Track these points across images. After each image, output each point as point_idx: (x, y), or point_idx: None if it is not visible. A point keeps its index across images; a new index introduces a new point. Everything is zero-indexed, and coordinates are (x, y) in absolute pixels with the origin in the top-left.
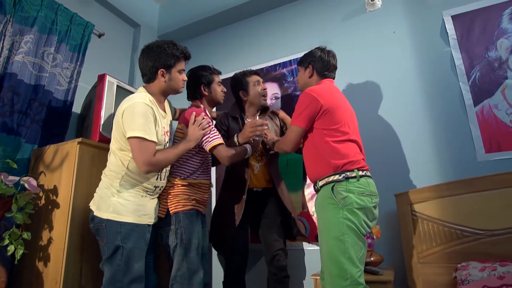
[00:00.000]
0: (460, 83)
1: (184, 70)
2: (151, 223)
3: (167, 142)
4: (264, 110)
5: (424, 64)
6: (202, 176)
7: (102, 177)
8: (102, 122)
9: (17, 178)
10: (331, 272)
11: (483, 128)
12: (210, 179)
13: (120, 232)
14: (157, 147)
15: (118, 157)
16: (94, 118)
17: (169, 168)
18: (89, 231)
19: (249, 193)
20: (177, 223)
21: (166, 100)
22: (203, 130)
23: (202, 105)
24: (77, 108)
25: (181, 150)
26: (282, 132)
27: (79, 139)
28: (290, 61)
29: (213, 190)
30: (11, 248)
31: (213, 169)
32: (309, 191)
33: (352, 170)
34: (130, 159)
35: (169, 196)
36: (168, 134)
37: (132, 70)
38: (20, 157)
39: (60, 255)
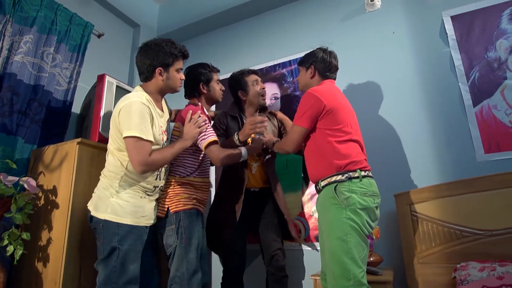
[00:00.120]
0: (459, 84)
1: (182, 69)
2: (149, 225)
3: (165, 142)
4: (262, 109)
5: (424, 65)
6: (202, 174)
7: (100, 177)
8: (101, 122)
9: (16, 178)
10: (334, 272)
11: (483, 129)
12: (209, 178)
13: (117, 234)
14: (155, 147)
15: (117, 157)
16: (93, 118)
17: (168, 167)
18: (89, 231)
19: (247, 193)
20: (177, 222)
21: (163, 99)
22: (199, 128)
23: (200, 103)
24: (76, 108)
25: (178, 149)
26: (280, 133)
27: (79, 139)
28: (289, 61)
29: (212, 190)
30: (10, 249)
31: (213, 169)
32: (308, 191)
33: (355, 171)
34: (129, 159)
35: (169, 195)
36: (166, 133)
37: (131, 70)
38: (19, 157)
39: (59, 255)
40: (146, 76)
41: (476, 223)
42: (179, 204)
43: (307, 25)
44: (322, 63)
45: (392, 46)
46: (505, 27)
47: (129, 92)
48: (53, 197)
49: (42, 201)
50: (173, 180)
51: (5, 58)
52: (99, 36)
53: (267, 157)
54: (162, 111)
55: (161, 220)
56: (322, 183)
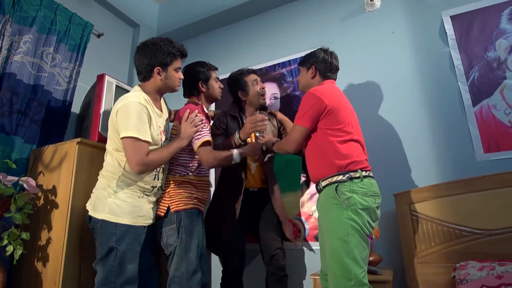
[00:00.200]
0: (459, 83)
1: (180, 68)
2: (147, 225)
3: (164, 142)
4: (262, 109)
5: (423, 64)
6: (201, 173)
7: (99, 177)
8: (101, 122)
9: (16, 178)
10: (335, 272)
11: (482, 128)
12: (209, 177)
13: (115, 234)
14: (153, 147)
15: (115, 157)
16: (93, 118)
17: (167, 167)
18: (88, 231)
19: (245, 193)
20: (178, 222)
21: (162, 99)
22: (195, 127)
23: (199, 102)
24: (76, 108)
25: (175, 148)
26: (279, 133)
27: (78, 139)
28: (289, 61)
29: (212, 190)
30: (9, 248)
31: (212, 169)
32: (308, 191)
33: (356, 171)
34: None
35: (170, 194)
36: (165, 133)
37: (131, 70)
38: (19, 157)
39: (59, 255)
40: (144, 76)
41: (476, 222)
42: (180, 203)
43: (306, 25)
44: (323, 64)
45: (391, 46)
46: (505, 27)
47: (129, 91)
48: (53, 197)
49: (42, 201)
50: (174, 179)
51: (4, 58)
52: (98, 36)
53: (266, 157)
54: (161, 110)
55: (161, 219)
56: (323, 183)
